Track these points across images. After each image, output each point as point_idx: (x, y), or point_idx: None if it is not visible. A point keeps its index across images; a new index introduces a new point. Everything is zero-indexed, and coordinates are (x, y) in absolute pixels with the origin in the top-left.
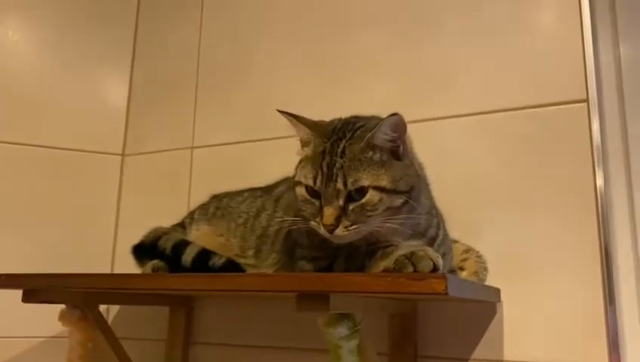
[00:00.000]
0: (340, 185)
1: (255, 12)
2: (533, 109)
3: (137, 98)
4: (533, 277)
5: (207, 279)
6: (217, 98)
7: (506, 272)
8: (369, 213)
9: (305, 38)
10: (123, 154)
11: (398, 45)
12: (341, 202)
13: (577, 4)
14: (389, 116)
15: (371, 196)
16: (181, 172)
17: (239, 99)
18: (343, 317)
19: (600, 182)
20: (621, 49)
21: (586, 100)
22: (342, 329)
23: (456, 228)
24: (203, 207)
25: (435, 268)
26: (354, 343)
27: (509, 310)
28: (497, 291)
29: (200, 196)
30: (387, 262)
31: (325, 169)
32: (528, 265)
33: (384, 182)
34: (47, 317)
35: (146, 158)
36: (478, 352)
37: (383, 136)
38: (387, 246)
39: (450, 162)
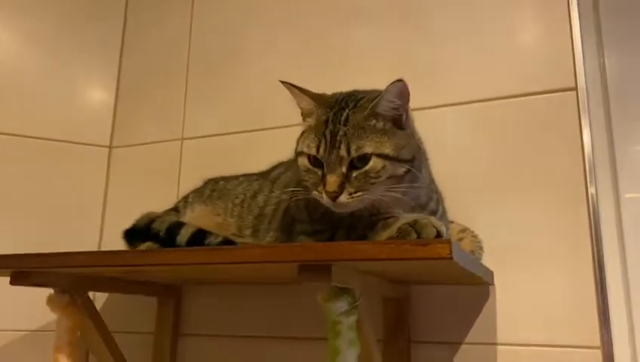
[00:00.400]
0: (343, 152)
1: (246, 2)
2: (524, 97)
3: (126, 89)
4: (524, 261)
5: (206, 252)
6: (208, 89)
7: (497, 257)
8: (372, 181)
9: (296, 30)
10: (110, 146)
11: (388, 37)
12: (344, 169)
13: None
14: (393, 82)
15: (374, 163)
16: (170, 164)
17: (230, 89)
18: (343, 291)
19: (589, 163)
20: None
21: (575, 88)
22: (342, 304)
23: (448, 215)
24: (197, 190)
25: (438, 235)
26: (353, 319)
27: (502, 294)
28: (491, 273)
29: (190, 188)
30: (390, 232)
31: (328, 137)
32: (519, 250)
33: (387, 150)
34: (32, 311)
35: (134, 150)
36: (472, 336)
37: (387, 103)
38: (388, 218)
39: (440, 150)
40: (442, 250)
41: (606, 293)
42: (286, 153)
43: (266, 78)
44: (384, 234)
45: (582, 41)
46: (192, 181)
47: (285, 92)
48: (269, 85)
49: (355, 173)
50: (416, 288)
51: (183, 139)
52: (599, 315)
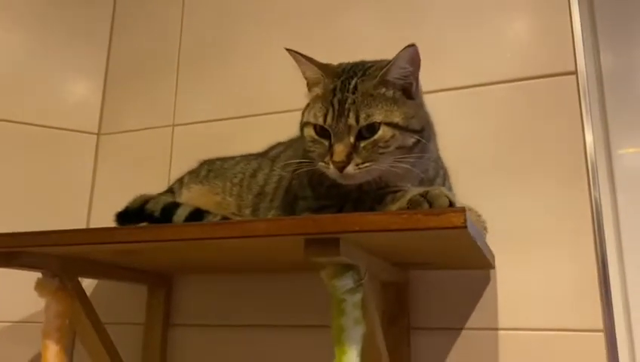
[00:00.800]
0: (351, 120)
1: None
2: (523, 82)
3: (115, 75)
4: (525, 245)
5: (207, 227)
6: (200, 74)
7: (498, 241)
8: (381, 150)
9: (291, 16)
10: (99, 133)
11: (385, 24)
12: (352, 139)
13: None
14: (405, 48)
15: (384, 132)
16: (161, 150)
17: (222, 74)
18: (349, 268)
19: (590, 148)
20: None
21: (575, 72)
22: (347, 281)
23: None
24: (193, 171)
25: (451, 206)
26: (358, 297)
27: (503, 278)
28: (492, 256)
29: (181, 174)
30: (400, 204)
31: (336, 105)
32: (521, 233)
33: (397, 119)
34: (18, 301)
35: (123, 137)
36: (473, 321)
37: (398, 70)
38: (397, 191)
39: (440, 135)
40: (456, 219)
41: (608, 277)
42: (278, 139)
43: (260, 63)
44: (394, 207)
45: (586, 27)
46: (183, 168)
47: (278, 77)
48: (262, 70)
49: (363, 143)
50: (416, 273)
51: (174, 125)
52: (601, 299)
